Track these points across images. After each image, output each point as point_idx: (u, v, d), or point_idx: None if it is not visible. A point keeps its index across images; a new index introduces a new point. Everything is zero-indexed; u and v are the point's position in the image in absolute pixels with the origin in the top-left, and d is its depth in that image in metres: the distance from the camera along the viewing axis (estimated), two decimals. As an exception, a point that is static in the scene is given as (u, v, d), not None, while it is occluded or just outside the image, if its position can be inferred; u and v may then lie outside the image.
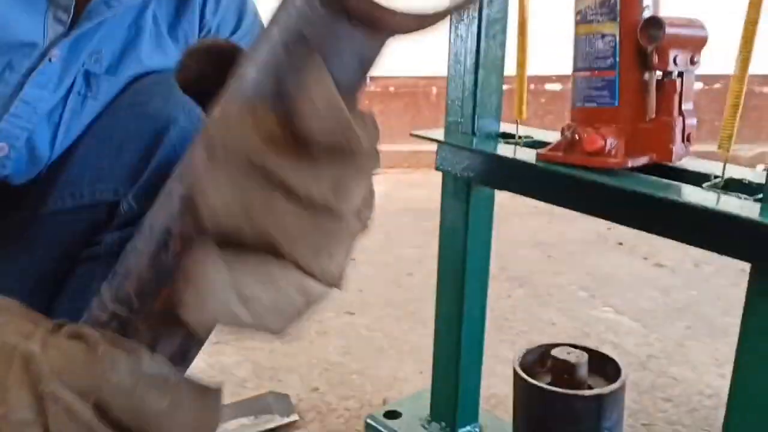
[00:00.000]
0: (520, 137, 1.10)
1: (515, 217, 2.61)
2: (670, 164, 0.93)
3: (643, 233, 0.92)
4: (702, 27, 0.93)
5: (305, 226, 0.39)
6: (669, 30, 0.87)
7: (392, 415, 1.29)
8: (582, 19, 0.95)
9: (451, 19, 1.08)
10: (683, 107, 0.92)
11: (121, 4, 0.81)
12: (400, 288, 2.04)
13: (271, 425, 1.36)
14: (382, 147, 0.41)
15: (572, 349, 1.04)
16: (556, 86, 3.72)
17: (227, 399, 1.41)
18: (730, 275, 2.10)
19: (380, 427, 1.26)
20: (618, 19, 0.91)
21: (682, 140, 0.92)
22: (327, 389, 1.50)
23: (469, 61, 1.09)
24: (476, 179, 1.12)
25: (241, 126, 0.38)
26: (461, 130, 1.13)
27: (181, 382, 0.44)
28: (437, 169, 1.16)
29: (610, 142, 0.92)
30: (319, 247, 0.39)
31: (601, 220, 0.99)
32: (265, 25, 0.40)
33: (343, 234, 0.40)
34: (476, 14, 1.06)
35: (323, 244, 0.40)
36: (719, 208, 0.81)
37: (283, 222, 0.38)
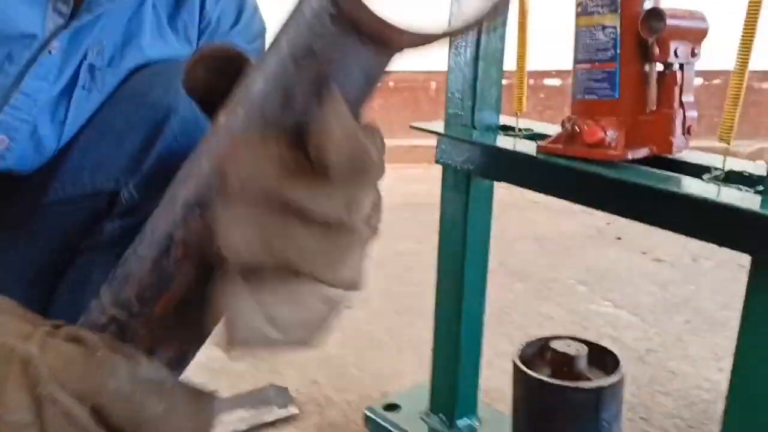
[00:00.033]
0: (520, 130, 1.10)
1: (514, 212, 2.61)
2: (671, 156, 0.93)
3: (642, 228, 0.92)
4: (703, 19, 0.93)
5: (322, 244, 0.40)
6: (670, 21, 0.87)
7: (391, 407, 1.29)
8: (583, 10, 0.95)
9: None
10: (684, 99, 0.92)
11: None
12: (399, 282, 2.04)
13: (271, 418, 1.36)
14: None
15: (572, 341, 1.04)
16: (555, 81, 3.71)
17: (226, 392, 1.41)
18: (729, 270, 2.09)
19: (379, 420, 1.26)
20: (619, 10, 0.91)
21: (683, 132, 0.92)
22: (326, 382, 1.50)
23: (469, 53, 1.09)
24: (476, 171, 1.12)
25: (254, 160, 0.38)
26: (461, 123, 1.13)
27: (176, 387, 0.44)
28: (437, 161, 1.16)
29: (611, 134, 0.92)
30: (335, 260, 0.40)
31: (600, 214, 0.98)
32: (275, 33, 0.40)
33: (356, 244, 0.41)
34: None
35: (338, 256, 0.40)
36: (720, 199, 0.81)
37: (301, 246, 0.39)
